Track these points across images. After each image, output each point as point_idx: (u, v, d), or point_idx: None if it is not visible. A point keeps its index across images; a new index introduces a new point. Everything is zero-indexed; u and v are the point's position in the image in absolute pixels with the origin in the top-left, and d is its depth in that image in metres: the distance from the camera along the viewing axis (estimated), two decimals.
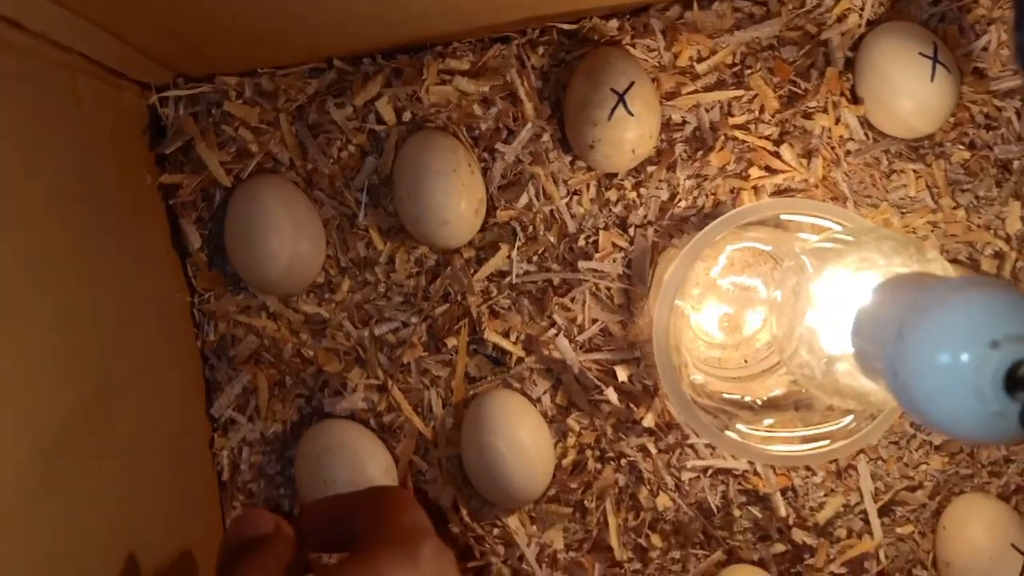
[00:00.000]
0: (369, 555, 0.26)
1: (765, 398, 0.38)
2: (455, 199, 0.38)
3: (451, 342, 0.41)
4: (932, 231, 0.41)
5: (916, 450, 0.41)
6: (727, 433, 0.35)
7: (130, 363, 0.36)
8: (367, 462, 0.39)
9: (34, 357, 0.29)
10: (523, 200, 0.40)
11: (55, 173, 0.32)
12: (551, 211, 0.41)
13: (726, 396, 0.38)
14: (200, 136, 0.39)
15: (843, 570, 0.41)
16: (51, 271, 0.31)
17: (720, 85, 0.41)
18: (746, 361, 0.42)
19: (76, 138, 0.34)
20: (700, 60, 0.41)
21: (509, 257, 0.41)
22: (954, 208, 0.41)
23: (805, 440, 0.35)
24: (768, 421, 0.36)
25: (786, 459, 0.35)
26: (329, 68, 0.40)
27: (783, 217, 0.35)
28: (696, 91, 0.41)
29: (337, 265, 0.41)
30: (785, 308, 0.34)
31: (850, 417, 0.35)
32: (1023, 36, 0.17)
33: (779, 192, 0.40)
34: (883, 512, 0.41)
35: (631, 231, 0.41)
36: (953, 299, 0.20)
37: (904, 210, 0.41)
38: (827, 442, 0.34)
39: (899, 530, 0.41)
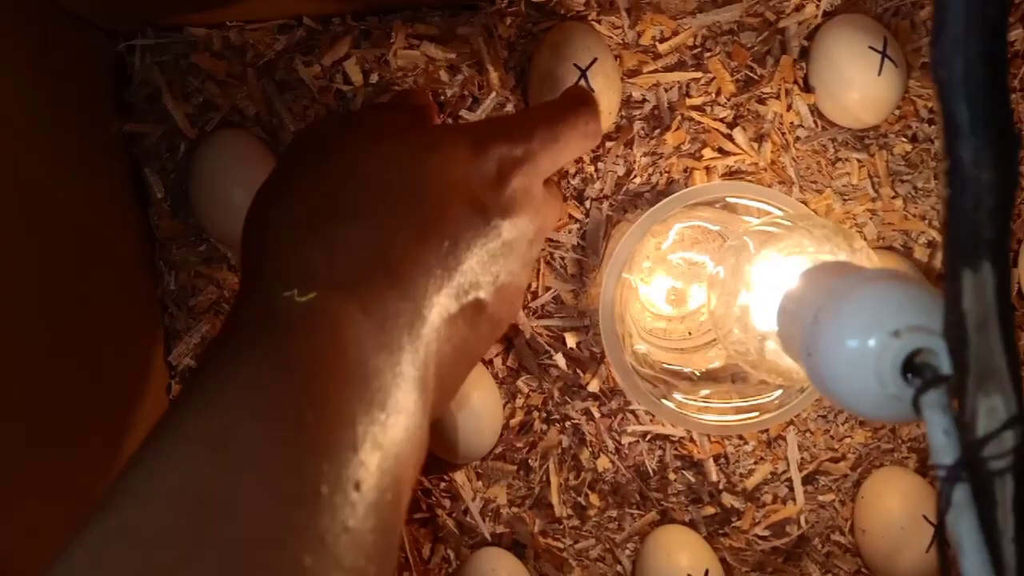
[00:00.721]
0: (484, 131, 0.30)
1: (704, 370, 0.41)
2: None
3: None
4: (871, 218, 0.43)
5: (842, 424, 0.44)
6: (664, 402, 0.37)
7: (90, 308, 0.37)
8: None
9: None
10: None
11: (19, 115, 0.33)
12: None
13: (667, 366, 0.40)
14: (166, 87, 0.40)
15: (766, 532, 0.44)
16: (11, 213, 0.32)
17: (680, 66, 0.42)
18: (690, 333, 0.44)
19: (42, 82, 0.35)
20: (662, 40, 0.42)
21: None
22: (893, 198, 0.43)
23: (738, 411, 0.37)
24: (704, 392, 0.39)
25: (718, 428, 0.38)
26: (298, 25, 0.41)
27: (730, 199, 0.37)
28: (657, 70, 0.42)
29: None
30: (725, 286, 0.36)
31: (780, 391, 0.37)
32: (939, 52, 0.19)
33: (730, 173, 0.42)
34: (807, 481, 0.44)
35: (587, 204, 0.42)
36: (863, 290, 0.23)
37: (846, 197, 0.43)
38: (757, 414, 0.37)
39: (821, 498, 0.44)
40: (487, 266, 0.28)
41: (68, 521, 0.33)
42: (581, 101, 0.33)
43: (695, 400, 0.38)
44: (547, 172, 0.32)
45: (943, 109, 0.19)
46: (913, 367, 0.21)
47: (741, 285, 0.31)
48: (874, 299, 0.22)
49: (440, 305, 0.26)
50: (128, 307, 0.40)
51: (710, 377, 0.40)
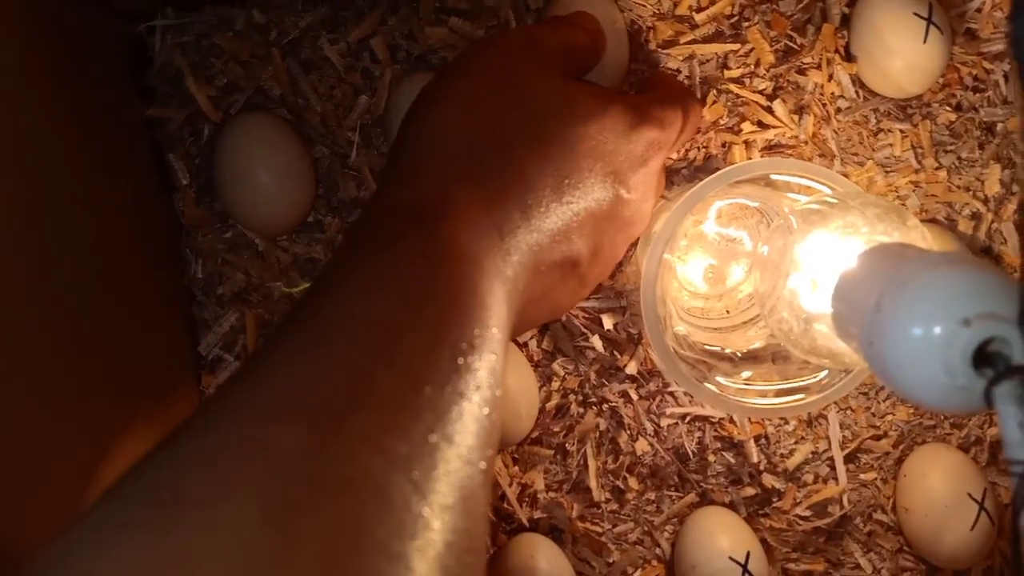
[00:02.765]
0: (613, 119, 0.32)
1: (745, 351, 0.41)
2: None
3: None
4: (914, 191, 0.43)
5: (883, 401, 0.45)
6: (706, 385, 0.37)
7: (116, 299, 0.37)
8: None
9: (17, 297, 0.30)
10: None
11: (36, 103, 0.33)
12: None
13: (707, 347, 0.41)
14: (188, 69, 0.40)
15: (808, 513, 0.44)
16: (36, 204, 0.32)
17: (718, 36, 0.42)
18: (728, 312, 0.44)
19: (59, 68, 0.35)
20: (699, 10, 0.42)
21: None
22: (936, 169, 0.43)
23: (781, 393, 0.38)
24: (746, 374, 0.39)
25: (761, 411, 0.38)
26: (323, 2, 0.41)
27: (773, 177, 0.37)
28: (694, 41, 0.42)
29: (327, 205, 0.42)
30: (770, 265, 0.36)
31: (824, 372, 0.38)
32: (1019, 27, 0.19)
33: (769, 147, 0.42)
34: (848, 459, 0.45)
35: None
36: (929, 276, 0.23)
37: (888, 169, 0.43)
38: (802, 396, 0.37)
39: (862, 476, 0.45)
40: (597, 230, 0.31)
41: None
42: (691, 94, 0.37)
43: (737, 383, 0.38)
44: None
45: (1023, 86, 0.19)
46: (984, 357, 0.22)
47: (790, 267, 0.32)
48: (942, 285, 0.23)
49: (547, 248, 0.29)
50: (155, 297, 0.41)
51: (751, 358, 0.41)
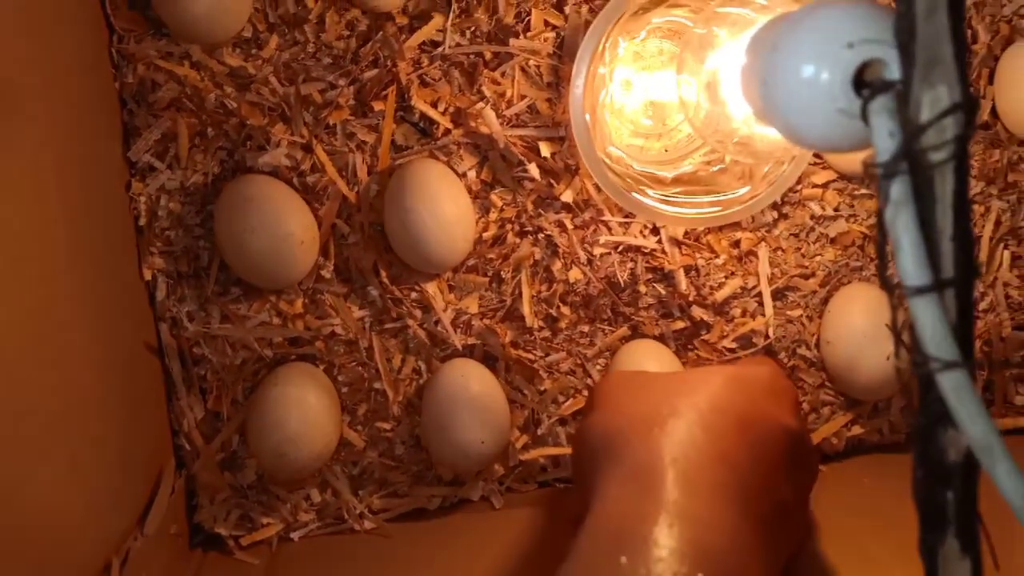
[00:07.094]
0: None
1: (675, 174, 0.43)
2: None
3: (378, 107, 0.44)
4: None
5: (814, 243, 0.47)
6: (632, 195, 0.39)
7: (43, 97, 0.38)
8: (288, 218, 0.43)
9: None
10: None
11: None
12: None
13: (640, 168, 0.42)
14: None
15: (734, 345, 0.47)
16: None
17: None
18: (666, 150, 0.46)
19: None
20: None
21: (442, 29, 0.43)
22: None
23: (707, 205, 0.40)
24: (676, 190, 0.41)
25: (685, 220, 0.40)
26: None
27: None
28: None
29: (265, 20, 0.43)
30: (692, 49, 0.37)
31: (746, 188, 0.40)
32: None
33: None
34: (777, 296, 0.47)
35: (566, 9, 0.44)
36: (818, 11, 0.25)
37: None
38: (721, 208, 0.39)
39: (789, 313, 0.47)
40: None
41: None
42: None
43: (666, 195, 0.40)
44: None
45: None
46: (863, 81, 0.24)
47: (708, 49, 0.33)
48: (828, 15, 0.24)
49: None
50: (85, 99, 0.41)
51: (681, 181, 0.43)
